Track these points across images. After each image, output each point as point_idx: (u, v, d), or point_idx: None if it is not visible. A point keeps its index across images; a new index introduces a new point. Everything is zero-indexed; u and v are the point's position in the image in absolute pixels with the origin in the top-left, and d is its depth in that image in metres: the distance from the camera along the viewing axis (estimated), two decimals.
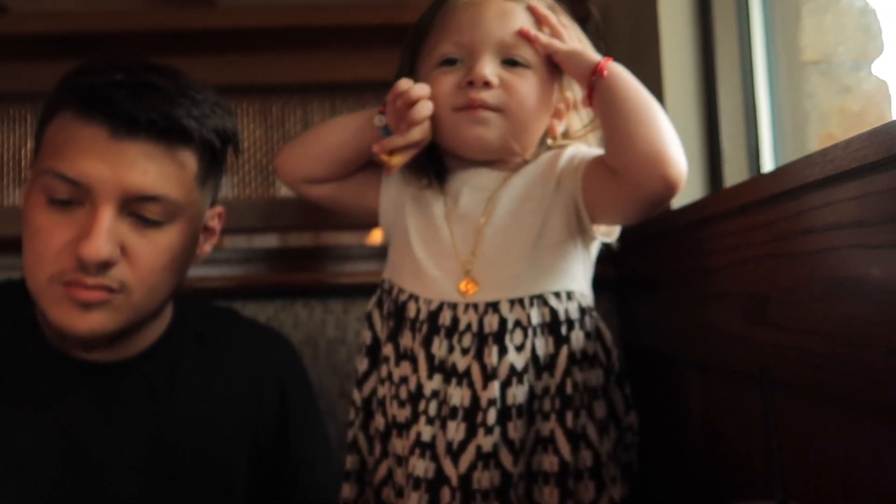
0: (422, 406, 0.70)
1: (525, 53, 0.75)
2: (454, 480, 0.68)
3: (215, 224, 0.87)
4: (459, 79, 0.74)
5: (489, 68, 0.73)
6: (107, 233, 0.71)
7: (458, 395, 0.69)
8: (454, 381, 0.70)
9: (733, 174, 0.99)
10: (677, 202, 0.99)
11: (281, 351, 0.93)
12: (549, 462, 0.68)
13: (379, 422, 0.76)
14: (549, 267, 0.72)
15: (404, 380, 0.73)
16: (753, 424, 0.72)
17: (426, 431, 0.69)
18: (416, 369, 0.72)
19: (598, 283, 1.12)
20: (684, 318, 0.88)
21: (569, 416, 0.69)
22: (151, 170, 0.74)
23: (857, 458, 0.55)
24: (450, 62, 0.75)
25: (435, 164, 0.80)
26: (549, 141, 0.80)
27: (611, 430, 0.74)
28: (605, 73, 0.69)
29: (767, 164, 0.97)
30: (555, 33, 0.75)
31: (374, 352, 0.79)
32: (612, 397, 0.76)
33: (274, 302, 1.15)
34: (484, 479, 0.67)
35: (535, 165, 0.77)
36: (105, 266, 0.72)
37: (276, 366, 0.90)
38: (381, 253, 1.32)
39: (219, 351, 0.86)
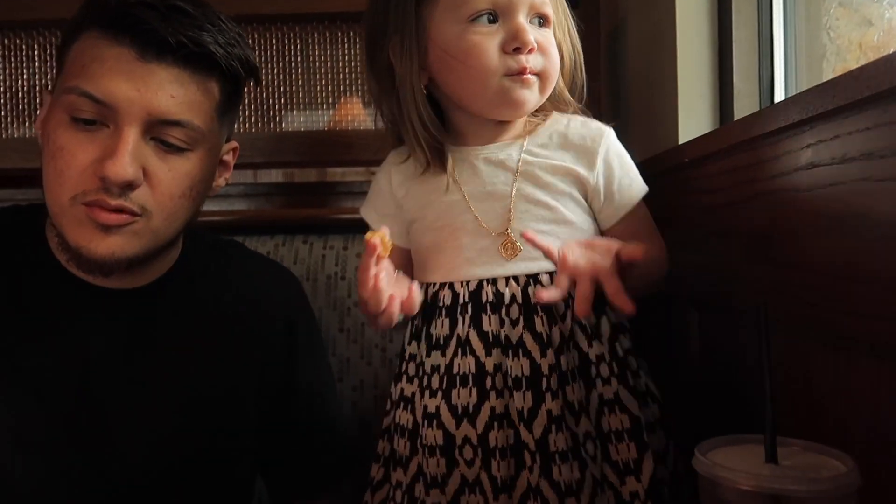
0: (488, 383, 0.71)
1: (548, 11, 0.76)
2: (532, 444, 0.70)
3: (230, 158, 0.87)
4: (502, 42, 0.73)
5: (531, 31, 0.73)
6: (131, 154, 0.71)
7: (518, 366, 0.71)
8: (511, 352, 0.71)
9: (743, 111, 0.96)
10: (683, 137, 0.97)
11: (287, 283, 0.93)
12: (620, 420, 0.71)
13: (405, 419, 0.76)
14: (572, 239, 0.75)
15: (436, 369, 0.74)
16: (750, 362, 0.72)
17: (498, 405, 0.71)
18: (471, 351, 0.72)
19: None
20: (686, 258, 0.87)
21: (629, 376, 0.73)
22: (178, 94, 0.74)
23: (852, 395, 0.55)
24: (487, 19, 0.73)
25: (433, 142, 0.77)
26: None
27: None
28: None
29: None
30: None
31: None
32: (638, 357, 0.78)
33: (274, 237, 1.15)
34: (559, 440, 0.69)
35: (558, 135, 0.78)
36: (128, 187, 0.72)
37: (283, 297, 0.90)
38: None
39: (227, 281, 0.87)
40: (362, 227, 1.18)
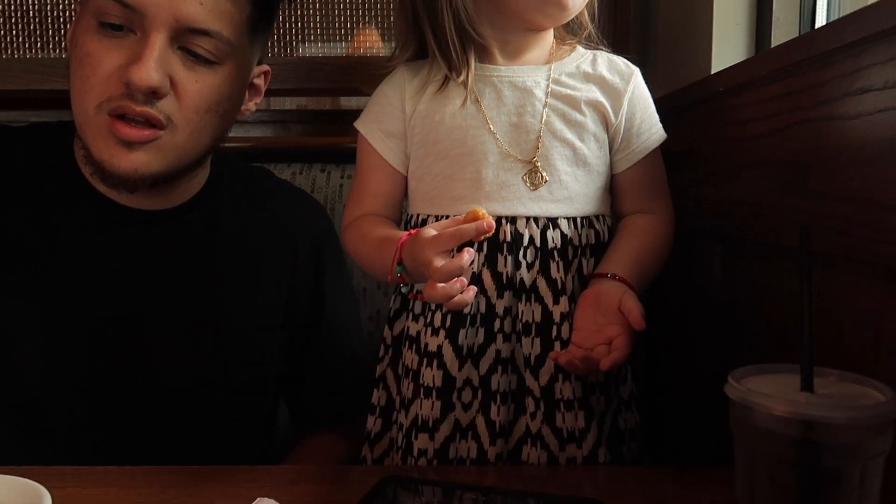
0: (497, 325, 0.69)
1: None
2: (536, 391, 0.69)
3: (261, 82, 0.85)
4: None
5: None
6: (157, 59, 0.70)
7: (529, 311, 0.69)
8: (523, 296, 0.69)
9: (782, 39, 0.92)
10: (716, 66, 0.93)
11: (315, 211, 0.93)
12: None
13: (411, 358, 0.73)
14: (595, 190, 0.73)
15: (440, 306, 0.70)
16: (777, 297, 0.70)
17: (505, 349, 0.69)
18: (482, 290, 0.69)
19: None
20: (712, 192, 0.85)
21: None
22: (207, 2, 0.72)
23: (885, 327, 0.53)
24: None
25: (457, 56, 0.73)
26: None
27: None
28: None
29: None
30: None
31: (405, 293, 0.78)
32: None
33: (291, 166, 1.13)
34: (566, 389, 0.68)
35: (586, 66, 0.75)
36: (153, 95, 0.71)
37: (311, 224, 0.90)
38: None
39: (256, 206, 0.86)
40: None
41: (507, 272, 0.69)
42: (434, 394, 0.70)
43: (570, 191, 0.71)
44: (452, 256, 0.62)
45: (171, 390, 0.79)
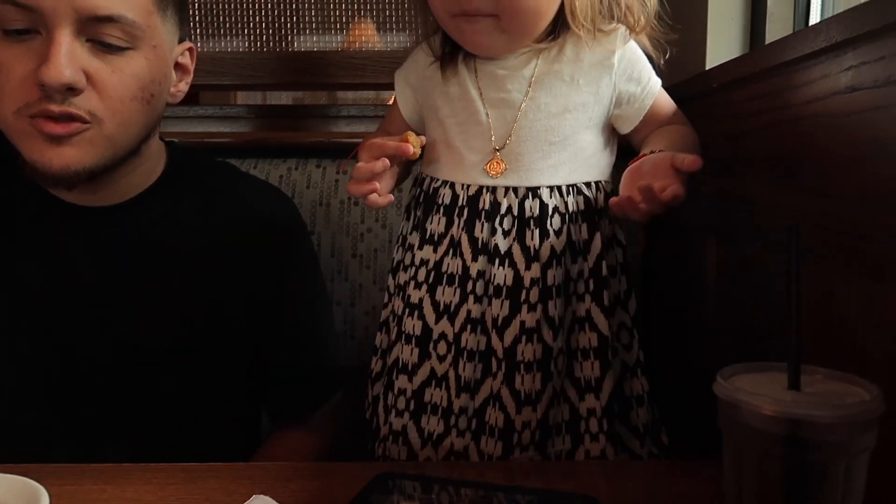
0: (469, 286, 0.72)
1: None
2: (500, 352, 0.72)
3: (187, 61, 0.84)
4: None
5: None
6: (66, 55, 0.69)
7: (501, 275, 0.71)
8: (497, 261, 0.72)
9: (776, 35, 0.92)
10: (711, 62, 0.93)
11: (279, 204, 0.91)
12: (588, 339, 0.72)
13: (398, 305, 0.78)
14: (586, 158, 0.74)
15: (424, 262, 0.75)
16: (769, 291, 0.71)
17: (475, 309, 0.72)
18: (460, 253, 0.73)
19: (621, 152, 1.09)
20: (707, 186, 0.85)
21: (605, 296, 0.72)
22: None
23: (875, 322, 0.54)
24: None
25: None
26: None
27: (630, 301, 0.76)
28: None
29: None
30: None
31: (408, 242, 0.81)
32: (629, 271, 0.77)
33: (287, 161, 1.13)
34: (527, 351, 0.71)
35: (582, 51, 0.73)
36: (69, 92, 0.70)
37: (275, 218, 0.88)
38: None
39: (217, 200, 0.85)
40: None
41: (482, 238, 0.72)
42: (413, 341, 0.75)
43: (553, 160, 0.72)
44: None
45: (136, 384, 0.80)
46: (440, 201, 0.75)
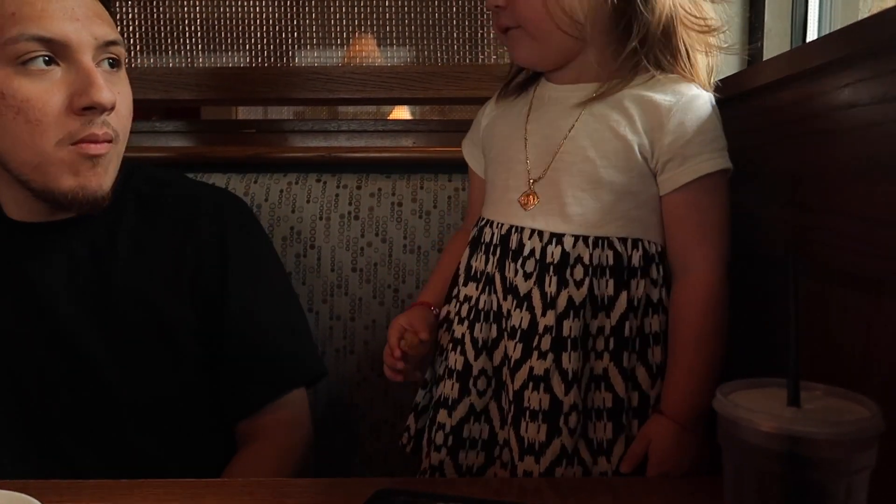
0: (503, 324, 0.72)
1: None
2: (510, 394, 0.71)
3: None
4: None
5: None
6: (100, 79, 0.74)
7: (518, 317, 0.70)
8: (516, 302, 0.71)
9: (773, 51, 0.93)
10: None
11: (225, 207, 0.90)
12: (603, 398, 0.69)
13: (445, 339, 0.77)
14: (622, 211, 0.69)
15: (467, 299, 0.75)
16: (769, 306, 0.71)
17: (510, 346, 0.71)
18: (494, 290, 0.73)
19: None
20: None
21: (624, 357, 0.69)
22: (103, 15, 0.77)
23: (877, 339, 0.54)
24: None
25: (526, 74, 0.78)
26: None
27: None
28: (677, 418, 0.67)
29: None
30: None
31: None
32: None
33: (287, 175, 1.13)
34: (534, 399, 0.69)
35: (638, 96, 0.69)
36: (107, 112, 0.75)
37: (217, 221, 0.87)
38: (397, 128, 1.29)
39: (158, 209, 0.86)
40: (376, 167, 1.17)
41: (510, 278, 0.72)
42: (455, 376, 0.74)
43: (583, 209, 0.69)
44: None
45: (92, 395, 0.80)
46: (483, 240, 0.75)
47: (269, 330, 0.89)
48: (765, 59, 0.92)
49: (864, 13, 0.89)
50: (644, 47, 0.68)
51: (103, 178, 0.76)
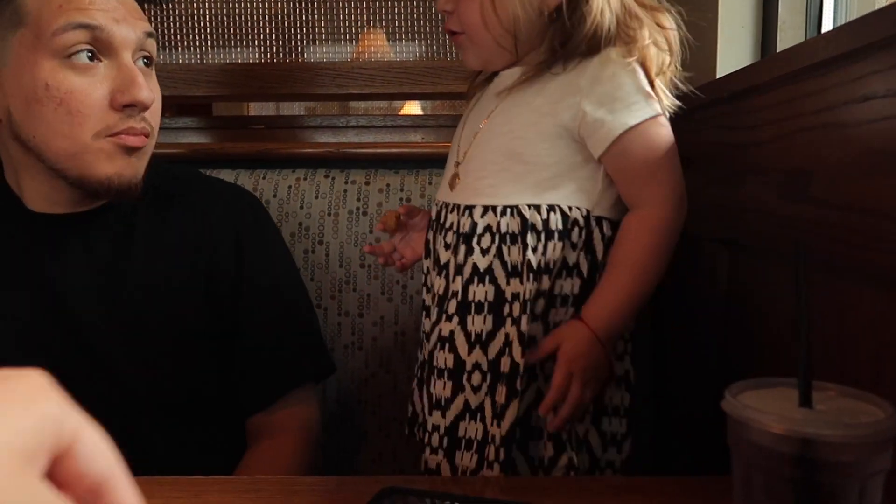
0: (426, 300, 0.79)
1: None
2: (426, 356, 0.76)
3: None
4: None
5: None
6: (141, 77, 0.77)
7: (437, 284, 0.76)
8: (436, 272, 0.76)
9: (787, 43, 0.91)
10: (722, 70, 0.92)
11: (238, 203, 0.92)
12: (504, 362, 0.70)
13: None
14: (536, 181, 0.71)
15: (428, 271, 0.79)
16: (781, 303, 0.70)
17: (431, 312, 0.78)
18: (429, 264, 0.79)
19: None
20: (717, 197, 0.84)
21: (523, 320, 0.69)
22: (137, 9, 0.80)
23: (890, 337, 0.53)
24: None
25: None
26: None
27: None
28: (595, 329, 0.69)
29: None
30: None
31: None
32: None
33: (295, 171, 1.13)
34: (440, 359, 0.73)
35: (560, 76, 0.71)
36: (145, 110, 0.78)
37: (232, 216, 0.89)
38: (405, 124, 1.28)
39: (174, 204, 0.88)
40: (384, 163, 1.16)
41: (437, 251, 0.77)
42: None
43: (494, 180, 0.72)
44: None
45: (106, 389, 0.80)
46: (433, 218, 0.80)
47: (282, 325, 0.90)
48: (778, 51, 0.90)
49: (880, 3, 0.87)
50: (575, 50, 0.70)
51: (138, 168, 0.79)
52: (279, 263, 0.94)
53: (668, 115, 0.72)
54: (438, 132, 1.23)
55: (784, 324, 0.69)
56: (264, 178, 1.12)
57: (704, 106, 0.88)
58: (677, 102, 0.74)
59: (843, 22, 0.88)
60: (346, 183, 1.11)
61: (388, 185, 1.10)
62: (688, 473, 0.78)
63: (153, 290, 0.83)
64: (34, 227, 0.82)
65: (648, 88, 0.70)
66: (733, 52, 0.93)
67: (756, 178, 0.74)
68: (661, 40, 0.71)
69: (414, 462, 0.87)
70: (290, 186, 1.11)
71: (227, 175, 1.11)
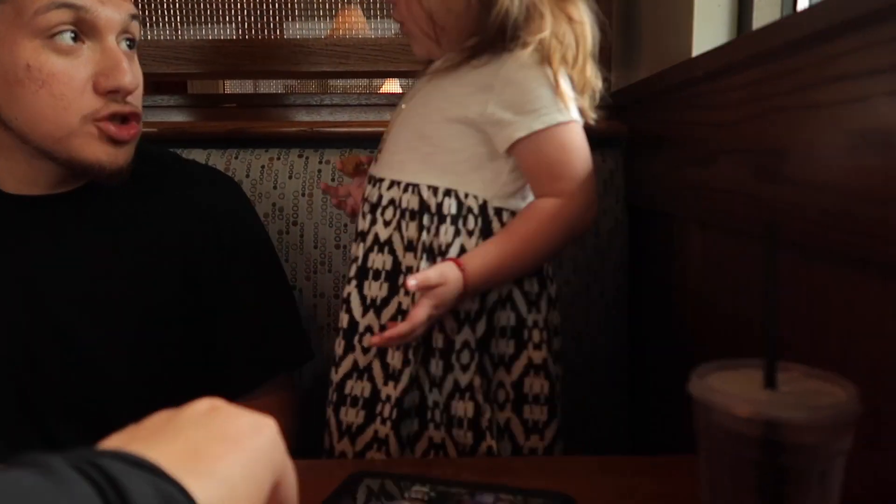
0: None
1: None
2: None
3: None
4: None
5: None
6: (125, 61, 0.75)
7: (353, 249, 0.79)
8: (356, 237, 0.80)
9: (764, 21, 0.90)
10: (697, 49, 0.91)
11: (218, 187, 0.91)
12: (436, 338, 0.73)
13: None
14: (440, 164, 0.74)
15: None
16: (753, 283, 0.70)
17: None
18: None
19: (605, 141, 1.07)
20: (691, 176, 0.84)
21: (417, 294, 0.71)
22: None
23: (860, 318, 0.53)
24: None
25: None
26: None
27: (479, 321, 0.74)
28: (466, 293, 0.71)
29: None
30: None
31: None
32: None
33: (269, 150, 1.11)
34: (342, 319, 0.78)
35: (476, 69, 0.73)
36: (129, 94, 0.76)
37: (211, 200, 0.87)
38: (381, 103, 1.26)
39: (152, 187, 0.85)
40: (359, 142, 1.15)
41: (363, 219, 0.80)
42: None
43: (402, 157, 0.76)
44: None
45: (79, 374, 0.79)
46: None
47: (261, 311, 0.89)
48: (754, 28, 0.89)
49: None
50: (487, 40, 0.72)
51: (129, 152, 0.78)
52: (259, 248, 0.92)
53: (577, 116, 0.73)
54: None
55: (754, 305, 0.69)
56: (237, 157, 1.10)
57: (679, 86, 0.87)
58: (592, 99, 0.75)
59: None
60: (320, 163, 1.09)
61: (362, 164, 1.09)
62: (664, 452, 0.78)
63: (129, 275, 0.81)
64: (6, 207, 0.80)
65: (563, 92, 0.71)
66: (710, 30, 0.92)
67: (729, 158, 0.74)
68: (564, 33, 0.72)
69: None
70: (262, 166, 1.09)
71: (198, 155, 1.08)
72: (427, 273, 0.69)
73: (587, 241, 1.06)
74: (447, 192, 0.73)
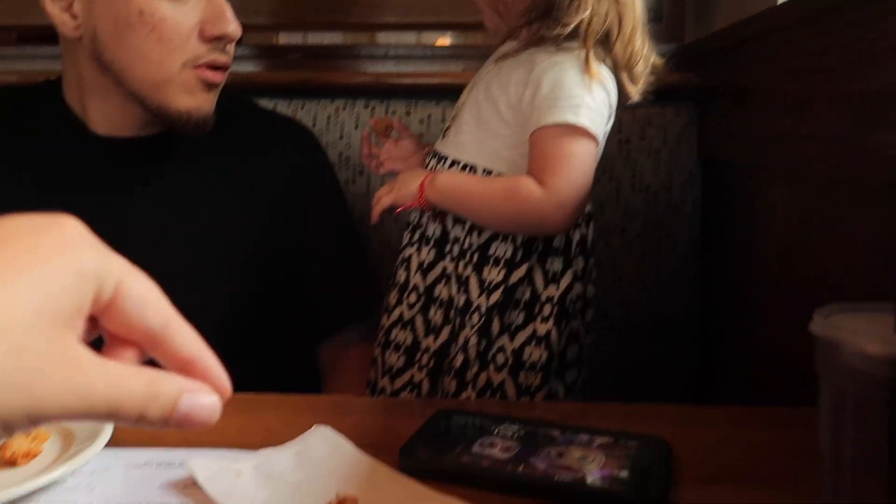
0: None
1: None
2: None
3: None
4: None
5: None
6: (230, 11, 0.78)
7: (413, 216, 0.84)
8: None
9: None
10: None
11: (297, 136, 0.93)
12: (442, 290, 0.79)
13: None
14: (492, 148, 0.77)
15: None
16: (845, 235, 0.67)
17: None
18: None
19: (676, 94, 1.04)
20: (779, 126, 0.81)
21: (461, 264, 0.78)
22: None
23: None
24: None
25: None
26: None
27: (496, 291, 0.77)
28: (425, 192, 0.77)
29: None
30: None
31: None
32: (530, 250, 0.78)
33: (335, 101, 1.11)
34: (402, 276, 0.82)
35: (530, 58, 0.76)
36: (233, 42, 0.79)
37: (290, 148, 0.90)
38: (445, 54, 1.24)
39: (234, 132, 0.87)
40: (423, 93, 1.13)
41: None
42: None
43: (463, 138, 0.79)
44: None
45: (175, 308, 0.80)
46: None
47: (347, 254, 0.93)
48: None
49: None
50: (546, 27, 0.74)
51: (213, 102, 0.80)
52: (337, 197, 0.96)
53: (593, 127, 0.73)
54: (479, 63, 1.19)
55: (848, 257, 0.67)
56: (302, 108, 1.10)
57: (763, 33, 0.84)
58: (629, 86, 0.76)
59: None
60: (386, 113, 1.08)
61: (429, 115, 1.08)
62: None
63: (214, 216, 0.83)
64: (98, 149, 0.82)
65: (596, 106, 0.73)
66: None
67: (825, 107, 0.71)
68: (607, 11, 0.73)
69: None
70: (329, 116, 1.08)
71: (264, 104, 1.08)
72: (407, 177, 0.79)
73: (659, 196, 1.04)
74: (487, 172, 0.77)
